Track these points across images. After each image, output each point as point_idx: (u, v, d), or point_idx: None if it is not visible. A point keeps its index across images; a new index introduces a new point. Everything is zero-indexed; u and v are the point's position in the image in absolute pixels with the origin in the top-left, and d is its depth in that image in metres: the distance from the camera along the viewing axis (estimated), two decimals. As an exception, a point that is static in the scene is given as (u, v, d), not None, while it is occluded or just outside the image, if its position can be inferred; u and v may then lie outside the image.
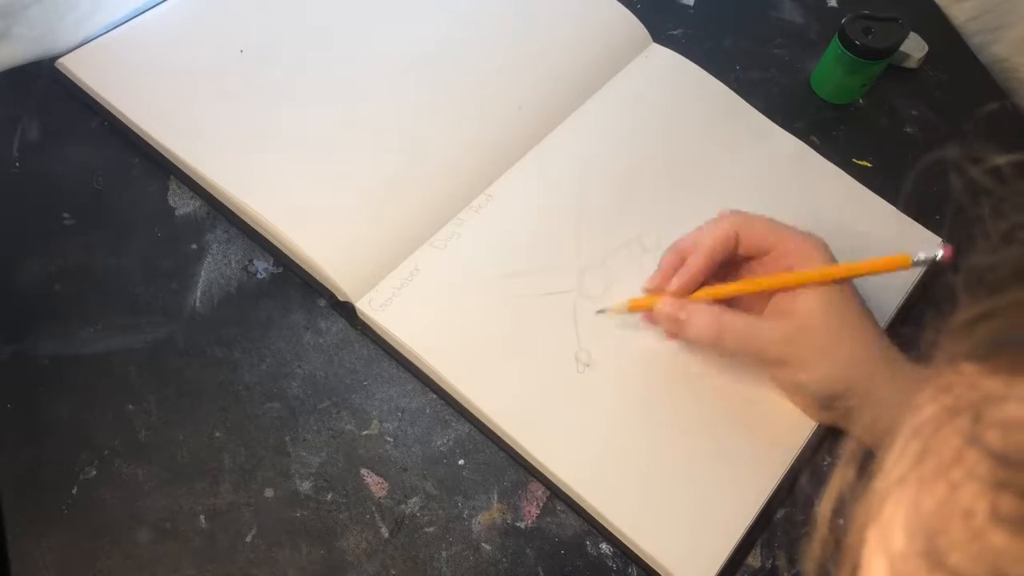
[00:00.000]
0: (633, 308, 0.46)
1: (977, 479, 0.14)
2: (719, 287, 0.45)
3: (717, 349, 0.44)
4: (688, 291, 0.45)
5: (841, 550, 0.17)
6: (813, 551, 0.18)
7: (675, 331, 0.45)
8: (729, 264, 0.46)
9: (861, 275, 0.43)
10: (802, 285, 0.43)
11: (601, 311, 0.47)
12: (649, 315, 0.46)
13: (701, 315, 0.43)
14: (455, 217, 0.50)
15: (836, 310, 0.42)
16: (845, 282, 0.43)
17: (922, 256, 0.41)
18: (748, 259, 0.46)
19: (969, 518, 0.13)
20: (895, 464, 0.16)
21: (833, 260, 0.44)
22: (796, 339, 0.42)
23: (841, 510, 0.17)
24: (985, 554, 0.13)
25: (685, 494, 0.44)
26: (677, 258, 0.45)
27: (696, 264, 0.44)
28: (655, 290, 0.46)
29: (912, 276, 0.53)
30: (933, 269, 0.43)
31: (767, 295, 0.45)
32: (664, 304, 0.44)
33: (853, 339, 0.42)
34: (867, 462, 0.16)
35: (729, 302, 0.45)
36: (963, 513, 0.14)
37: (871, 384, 0.42)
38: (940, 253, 0.41)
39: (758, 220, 0.45)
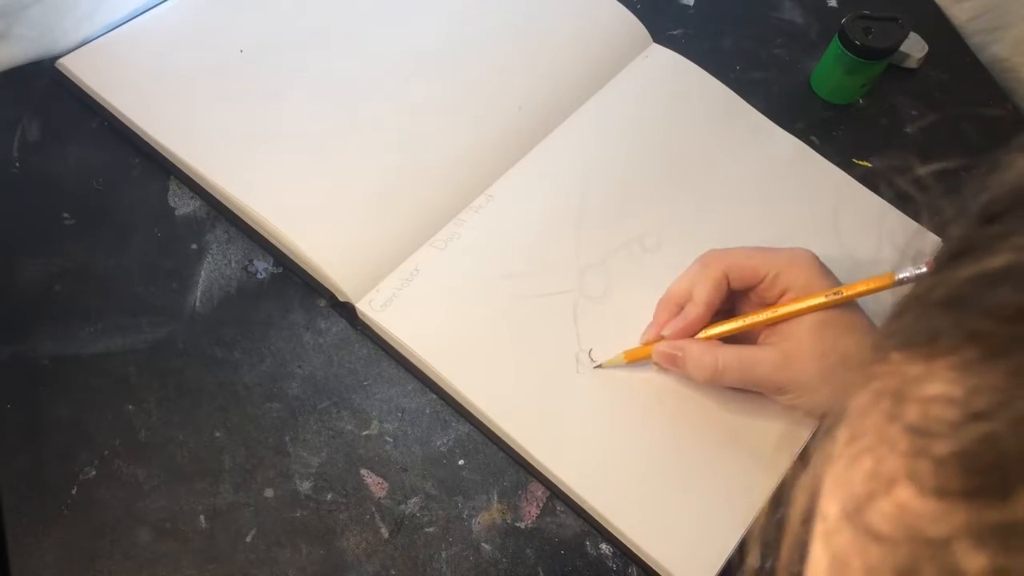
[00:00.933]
0: (629, 359, 0.46)
1: (898, 451, 0.15)
2: (715, 326, 0.45)
3: (716, 384, 0.44)
4: (686, 336, 0.45)
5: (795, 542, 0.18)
6: (782, 554, 0.19)
7: (674, 369, 0.45)
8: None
9: (849, 299, 0.43)
10: (793, 316, 0.43)
11: (598, 366, 0.47)
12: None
13: (697, 353, 0.44)
14: (455, 217, 0.50)
15: (831, 332, 0.42)
16: (828, 281, 0.43)
17: (905, 275, 0.41)
18: (741, 290, 0.46)
19: (891, 485, 0.15)
20: (829, 449, 0.17)
21: (823, 270, 0.44)
22: (792, 366, 0.42)
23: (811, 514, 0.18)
24: (905, 517, 0.14)
25: (685, 494, 0.44)
26: (672, 307, 0.46)
27: (695, 314, 0.44)
28: (651, 341, 0.46)
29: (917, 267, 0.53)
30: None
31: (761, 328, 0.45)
32: (661, 345, 0.45)
33: (850, 354, 0.42)
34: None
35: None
36: (886, 481, 0.15)
37: None
38: (924, 270, 0.41)
39: (744, 255, 0.45)
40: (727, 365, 0.43)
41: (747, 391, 0.46)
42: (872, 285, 0.42)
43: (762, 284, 0.44)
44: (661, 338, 0.45)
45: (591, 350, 0.47)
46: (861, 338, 0.43)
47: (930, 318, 0.16)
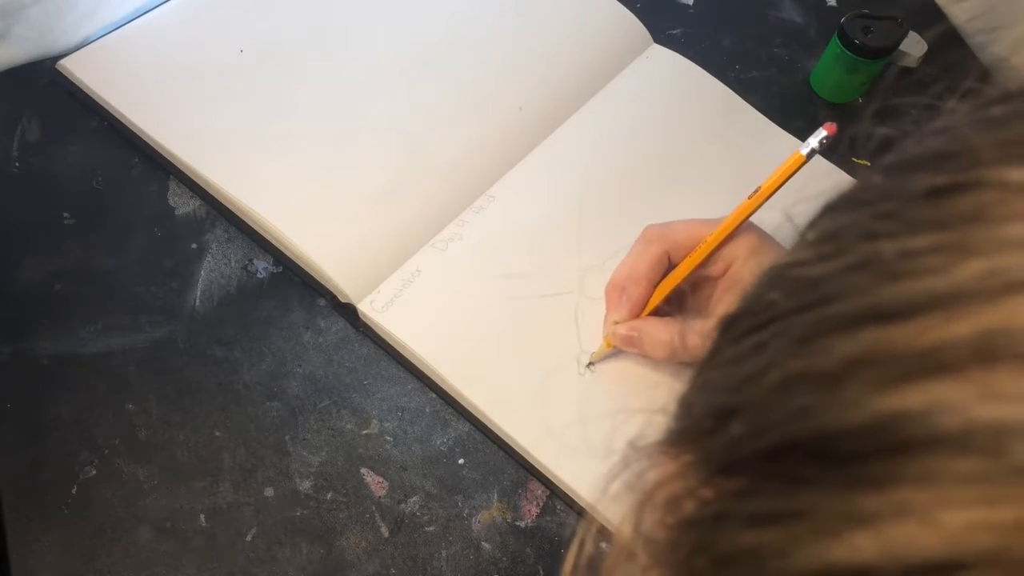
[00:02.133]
0: (609, 345, 0.46)
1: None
2: (658, 289, 0.45)
3: (678, 359, 0.45)
4: (635, 317, 0.45)
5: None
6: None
7: (635, 351, 0.46)
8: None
9: (772, 193, 0.43)
10: (727, 236, 0.43)
11: (590, 364, 0.47)
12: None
13: (653, 330, 0.44)
14: (456, 218, 0.50)
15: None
16: (774, 247, 0.43)
17: (810, 144, 0.42)
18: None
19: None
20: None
21: (765, 238, 0.44)
22: None
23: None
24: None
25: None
26: (618, 293, 0.46)
27: (636, 294, 0.45)
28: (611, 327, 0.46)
29: None
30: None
31: (711, 294, 0.45)
32: (619, 328, 0.45)
33: None
34: None
35: (681, 306, 0.46)
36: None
37: None
38: (824, 133, 0.42)
39: (685, 230, 0.45)
40: (684, 340, 0.43)
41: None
42: (786, 170, 0.43)
43: (707, 260, 0.44)
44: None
45: (586, 348, 0.47)
46: None
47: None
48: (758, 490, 0.15)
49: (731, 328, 0.20)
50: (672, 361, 0.45)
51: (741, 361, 0.17)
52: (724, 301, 0.44)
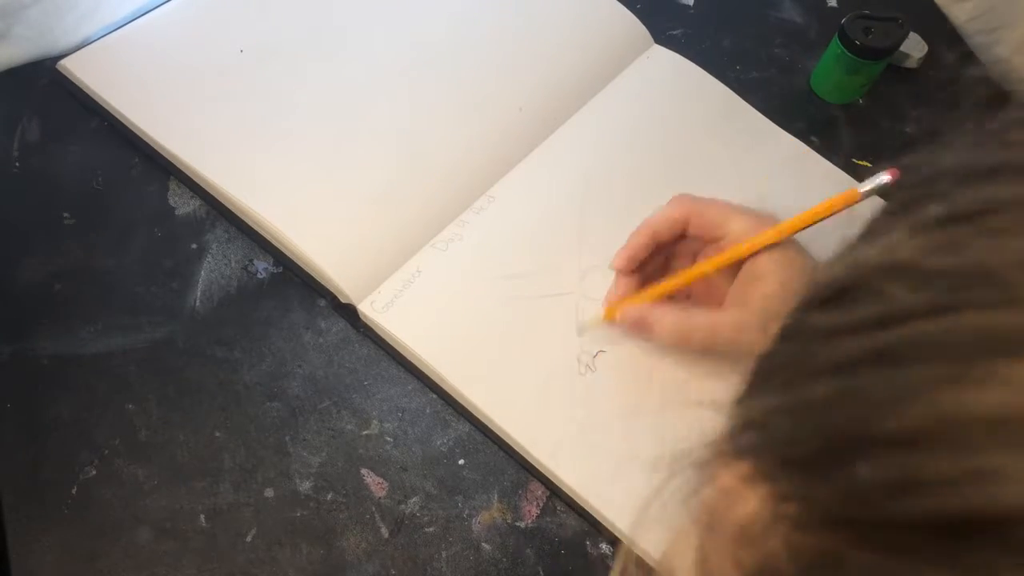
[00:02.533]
0: (608, 317, 0.46)
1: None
2: (667, 281, 0.45)
3: (688, 347, 0.44)
4: (630, 266, 0.45)
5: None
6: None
7: (642, 336, 0.45)
8: (685, 255, 0.46)
9: (813, 222, 0.42)
10: (755, 252, 0.42)
11: (582, 332, 0.47)
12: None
13: (665, 316, 0.44)
14: (457, 219, 0.50)
15: (786, 288, 0.42)
16: (801, 257, 0.42)
17: (869, 186, 0.40)
18: (704, 245, 0.46)
19: None
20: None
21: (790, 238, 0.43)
22: (756, 325, 0.42)
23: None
24: None
25: (685, 494, 0.44)
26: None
27: (636, 240, 0.44)
28: (618, 266, 0.45)
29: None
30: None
31: (727, 287, 0.44)
32: (628, 310, 0.45)
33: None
34: None
35: (695, 301, 0.46)
36: None
37: None
38: (887, 179, 0.40)
39: (710, 204, 0.45)
40: (693, 326, 0.43)
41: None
42: (836, 203, 0.41)
43: (725, 240, 0.44)
44: (615, 273, 0.45)
45: (596, 353, 0.47)
46: None
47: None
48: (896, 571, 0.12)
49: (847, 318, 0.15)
50: (678, 346, 0.45)
51: (869, 373, 0.14)
52: (744, 293, 0.43)
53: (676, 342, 0.44)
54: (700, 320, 0.43)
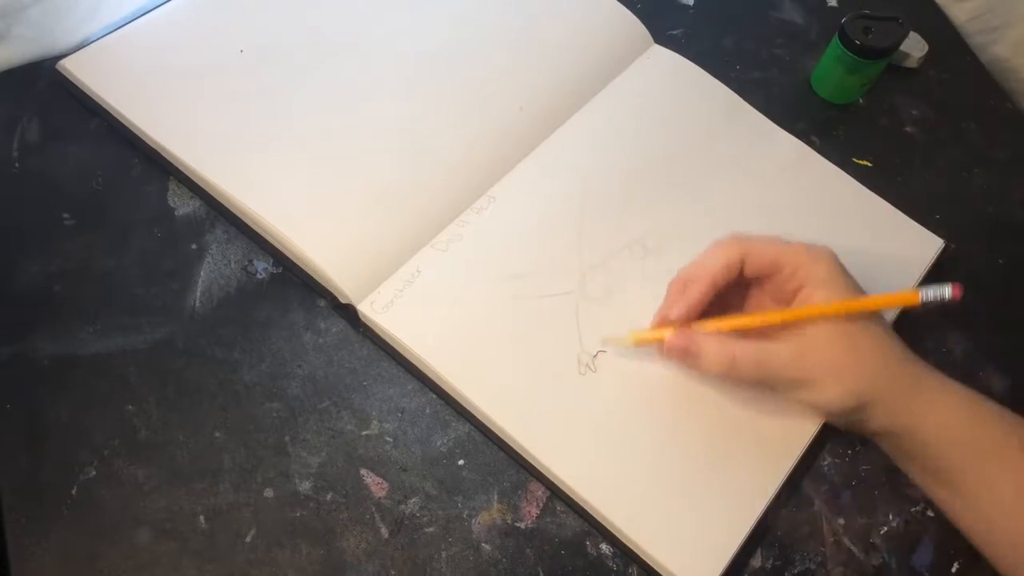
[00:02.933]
0: (637, 342, 0.46)
1: None
2: (728, 319, 0.44)
3: (730, 379, 0.44)
4: (689, 319, 0.44)
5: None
6: None
7: (686, 363, 0.44)
8: (738, 285, 0.45)
9: (867, 308, 0.42)
10: (811, 317, 0.42)
11: (603, 349, 0.47)
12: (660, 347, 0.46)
13: (711, 346, 0.43)
14: (457, 219, 0.50)
15: (847, 325, 0.42)
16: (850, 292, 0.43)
17: (931, 296, 0.41)
18: (757, 280, 0.45)
19: None
20: None
21: (842, 269, 0.43)
22: (808, 361, 0.42)
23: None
24: None
25: (688, 494, 0.44)
26: (680, 289, 0.45)
27: (697, 291, 0.44)
28: (662, 322, 0.45)
29: (919, 268, 0.53)
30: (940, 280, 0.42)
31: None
32: (674, 338, 0.44)
33: (869, 351, 0.42)
34: None
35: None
36: None
37: (891, 396, 0.42)
38: (949, 293, 0.41)
39: (764, 243, 0.44)
40: (743, 358, 0.42)
41: (750, 393, 0.46)
42: (894, 300, 0.43)
43: (780, 276, 0.44)
44: (670, 323, 0.44)
45: (591, 343, 0.47)
46: (881, 337, 0.43)
47: None
48: None
49: None
50: (724, 378, 0.44)
51: None
52: (794, 327, 0.43)
53: (723, 372, 0.43)
54: (746, 351, 0.42)
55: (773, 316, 0.43)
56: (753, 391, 0.46)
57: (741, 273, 0.44)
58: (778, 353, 0.42)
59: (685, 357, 0.44)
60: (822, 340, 0.42)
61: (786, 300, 0.44)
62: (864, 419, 0.43)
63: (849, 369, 0.41)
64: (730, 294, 0.46)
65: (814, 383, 0.42)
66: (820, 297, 0.42)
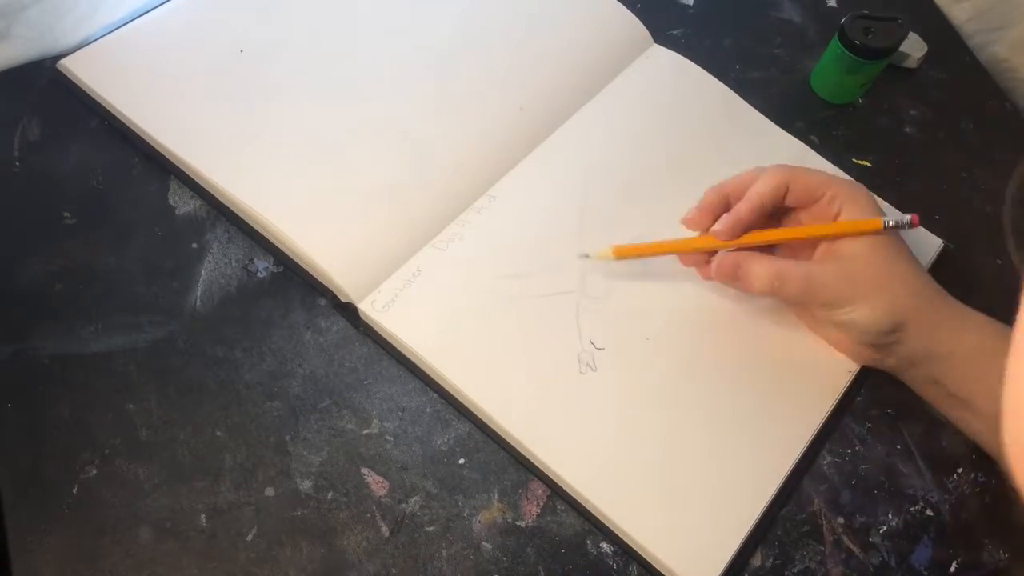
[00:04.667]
0: (619, 254, 0.47)
1: None
2: (768, 232, 0.46)
3: (777, 296, 0.46)
4: (733, 236, 0.46)
5: None
6: None
7: (732, 282, 0.46)
8: (773, 215, 0.48)
9: (838, 233, 0.45)
10: (851, 233, 0.45)
11: (585, 255, 0.48)
12: (703, 268, 0.48)
13: (760, 265, 0.45)
14: (457, 218, 0.50)
15: (883, 251, 0.45)
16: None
17: (892, 222, 0.44)
18: (795, 209, 0.47)
19: None
20: None
21: (875, 203, 0.46)
22: (851, 279, 0.44)
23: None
24: None
25: (688, 492, 0.44)
26: (720, 199, 0.47)
27: (746, 211, 0.45)
28: (692, 224, 0.47)
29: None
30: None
31: (809, 247, 0.46)
32: (723, 257, 0.46)
33: (903, 275, 0.45)
34: None
35: (771, 250, 0.47)
36: None
37: (924, 317, 0.44)
38: (908, 220, 0.45)
39: (808, 173, 0.46)
40: (791, 276, 0.44)
41: (750, 392, 0.46)
42: (863, 226, 0.45)
43: (817, 204, 0.46)
44: (702, 231, 0.47)
45: (591, 339, 0.47)
46: (914, 263, 0.46)
47: None
48: None
49: None
50: (767, 293, 0.45)
51: None
52: (834, 249, 0.45)
53: (769, 290, 0.45)
54: (793, 270, 0.44)
55: (812, 228, 0.46)
56: (753, 387, 0.46)
57: (783, 202, 0.46)
58: (823, 272, 0.44)
59: (734, 277, 0.46)
60: (861, 262, 0.44)
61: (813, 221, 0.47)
62: (895, 342, 0.45)
63: (889, 288, 0.44)
64: (768, 222, 0.48)
65: (857, 300, 0.44)
66: (858, 217, 0.45)
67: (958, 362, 0.44)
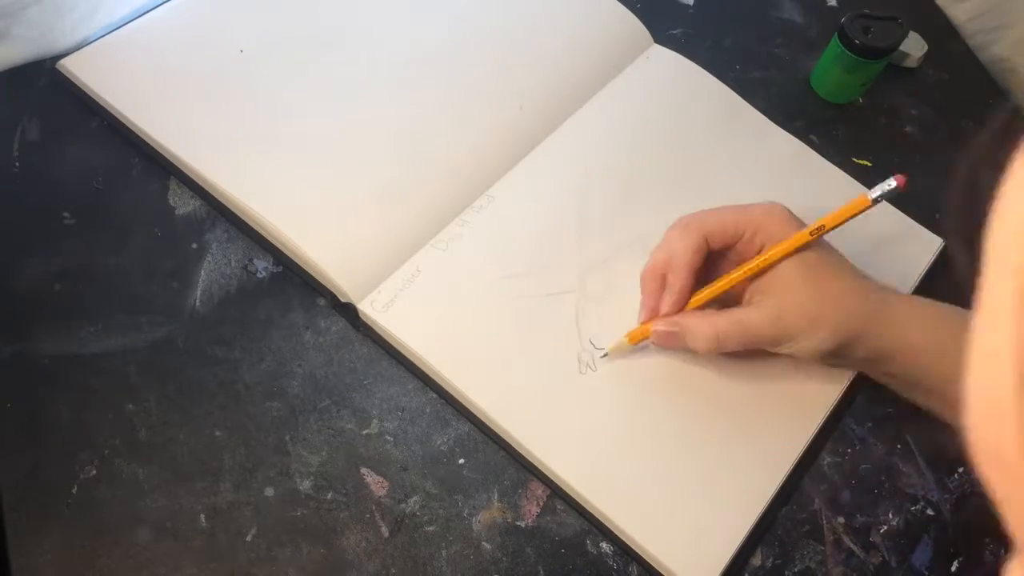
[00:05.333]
0: (633, 340, 0.47)
1: None
2: (702, 292, 0.46)
3: (720, 351, 0.45)
4: (679, 309, 0.46)
5: None
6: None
7: (676, 346, 0.46)
8: (706, 261, 0.47)
9: (828, 231, 0.44)
10: (778, 260, 0.44)
11: (604, 355, 0.47)
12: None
13: (695, 326, 0.44)
14: (457, 218, 0.50)
15: (812, 274, 0.44)
16: (814, 241, 0.44)
17: (879, 193, 0.43)
18: (722, 251, 0.46)
19: None
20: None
21: (794, 219, 0.45)
22: (786, 316, 0.43)
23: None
24: None
25: (688, 492, 0.44)
26: (657, 280, 0.46)
27: (679, 281, 0.45)
28: (646, 315, 0.47)
29: (919, 267, 0.53)
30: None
31: (747, 283, 0.45)
32: (658, 324, 0.45)
33: (834, 298, 0.44)
34: None
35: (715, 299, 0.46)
36: None
37: (867, 327, 0.43)
38: (894, 183, 0.42)
39: (718, 214, 0.45)
40: (726, 331, 0.44)
41: (749, 392, 0.46)
42: (850, 211, 0.43)
43: (740, 242, 0.45)
44: (656, 316, 0.46)
45: (591, 339, 0.47)
46: (845, 276, 0.44)
47: None
48: None
49: None
50: (712, 353, 0.45)
51: None
52: (763, 286, 0.44)
53: (712, 347, 0.44)
54: (727, 321, 0.44)
55: (736, 275, 0.45)
56: (752, 386, 0.46)
57: (707, 253, 0.45)
58: (756, 317, 0.44)
59: (672, 341, 0.45)
60: (788, 295, 0.44)
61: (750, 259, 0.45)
62: (848, 353, 0.44)
63: (823, 316, 0.43)
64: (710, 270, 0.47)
65: (795, 337, 0.43)
66: (781, 239, 0.44)
67: (911, 357, 0.44)
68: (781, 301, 0.44)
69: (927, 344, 0.43)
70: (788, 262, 0.44)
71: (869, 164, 0.59)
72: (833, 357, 0.44)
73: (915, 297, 0.45)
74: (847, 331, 0.43)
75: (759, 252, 0.45)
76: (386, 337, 0.46)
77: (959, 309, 0.43)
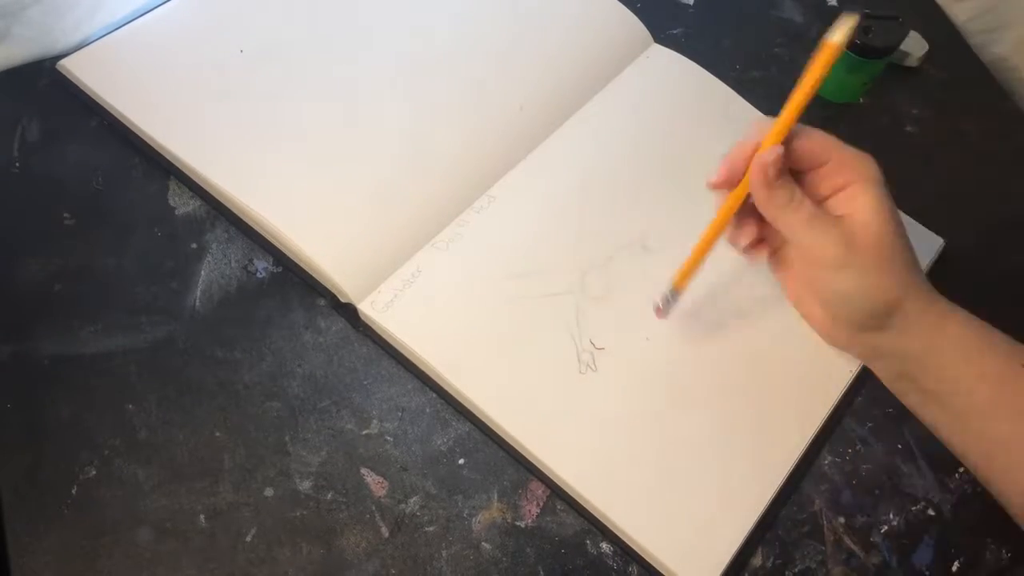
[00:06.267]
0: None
1: None
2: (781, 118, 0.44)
3: (777, 222, 0.43)
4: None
5: None
6: None
7: (759, 191, 0.44)
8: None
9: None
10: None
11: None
12: (750, 251, 0.46)
13: (785, 186, 0.43)
14: (457, 218, 0.50)
15: (894, 227, 0.42)
16: (898, 217, 0.42)
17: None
18: (800, 172, 0.44)
19: None
20: None
21: (882, 178, 0.43)
22: (858, 242, 0.41)
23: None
24: None
25: (688, 492, 0.44)
26: (736, 158, 0.45)
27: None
28: (724, 180, 0.45)
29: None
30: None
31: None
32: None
33: (906, 257, 0.42)
34: None
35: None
36: None
37: (912, 305, 0.42)
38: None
39: (814, 131, 0.44)
40: (812, 212, 0.42)
41: (750, 392, 0.46)
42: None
43: (824, 168, 0.43)
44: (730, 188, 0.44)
45: (592, 339, 0.47)
46: (912, 252, 0.43)
47: None
48: None
49: None
50: (774, 219, 0.43)
51: None
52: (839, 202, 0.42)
53: (787, 200, 0.42)
54: (808, 204, 0.42)
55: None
56: (753, 387, 0.46)
57: (789, 157, 0.43)
58: (832, 223, 0.41)
59: (764, 179, 0.43)
60: (872, 228, 0.41)
61: (826, 197, 0.43)
62: (876, 327, 0.42)
63: (891, 262, 0.41)
64: (757, 213, 0.45)
65: (858, 268, 0.41)
66: (870, 196, 0.42)
67: (933, 360, 0.42)
68: (858, 226, 0.41)
69: (955, 350, 0.42)
70: (874, 202, 0.41)
71: (869, 164, 0.59)
72: (871, 320, 0.42)
73: (950, 304, 0.43)
74: (896, 294, 0.41)
75: (842, 187, 0.43)
76: (386, 337, 0.46)
77: (989, 325, 0.42)
